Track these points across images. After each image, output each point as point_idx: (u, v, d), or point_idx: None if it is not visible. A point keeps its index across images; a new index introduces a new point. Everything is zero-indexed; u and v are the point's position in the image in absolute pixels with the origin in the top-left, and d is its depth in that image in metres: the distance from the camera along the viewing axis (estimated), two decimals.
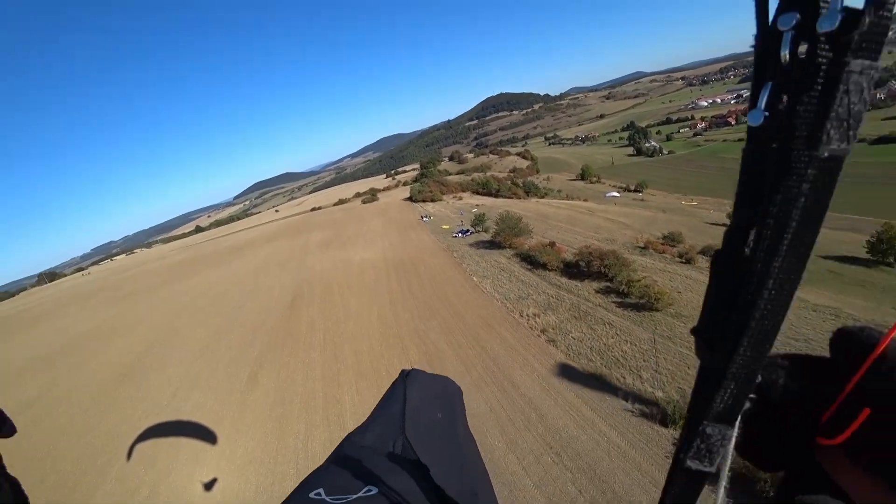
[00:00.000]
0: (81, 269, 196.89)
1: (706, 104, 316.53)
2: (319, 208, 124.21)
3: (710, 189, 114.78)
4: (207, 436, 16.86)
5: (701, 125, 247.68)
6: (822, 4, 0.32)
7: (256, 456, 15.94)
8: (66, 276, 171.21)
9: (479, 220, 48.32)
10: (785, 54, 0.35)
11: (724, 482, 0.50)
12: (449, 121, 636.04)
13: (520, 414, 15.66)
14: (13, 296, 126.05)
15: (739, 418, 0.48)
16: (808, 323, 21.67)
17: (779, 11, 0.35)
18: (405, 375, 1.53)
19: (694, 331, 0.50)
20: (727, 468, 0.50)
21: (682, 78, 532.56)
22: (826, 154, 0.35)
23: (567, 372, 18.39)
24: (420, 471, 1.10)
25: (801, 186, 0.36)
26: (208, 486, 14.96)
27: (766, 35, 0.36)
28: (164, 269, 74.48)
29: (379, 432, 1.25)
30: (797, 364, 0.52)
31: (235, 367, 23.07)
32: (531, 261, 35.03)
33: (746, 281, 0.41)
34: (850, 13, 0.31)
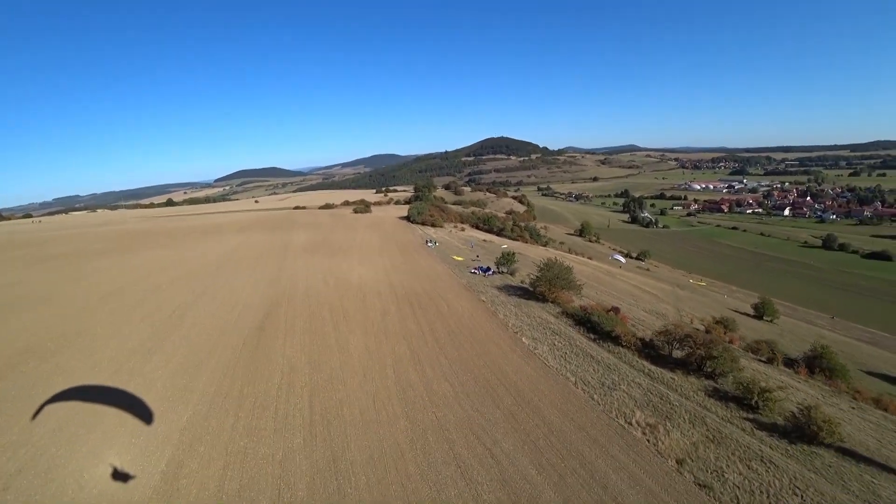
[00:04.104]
0: (31, 216, 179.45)
1: (699, 188, 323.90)
2: (304, 208, 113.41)
3: (712, 271, 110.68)
4: None
5: (694, 206, 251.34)
6: None
7: None
8: (10, 219, 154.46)
9: (506, 260, 39.32)
10: None
11: None
12: (446, 152, 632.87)
13: None
14: None
15: None
16: None
17: None
18: None
19: None
20: None
21: (676, 159, 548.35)
22: None
23: None
24: None
25: None
26: None
27: None
28: (111, 236, 62.27)
29: None
30: None
31: (147, 441, 12.86)
32: (592, 327, 26.31)
33: None
34: None
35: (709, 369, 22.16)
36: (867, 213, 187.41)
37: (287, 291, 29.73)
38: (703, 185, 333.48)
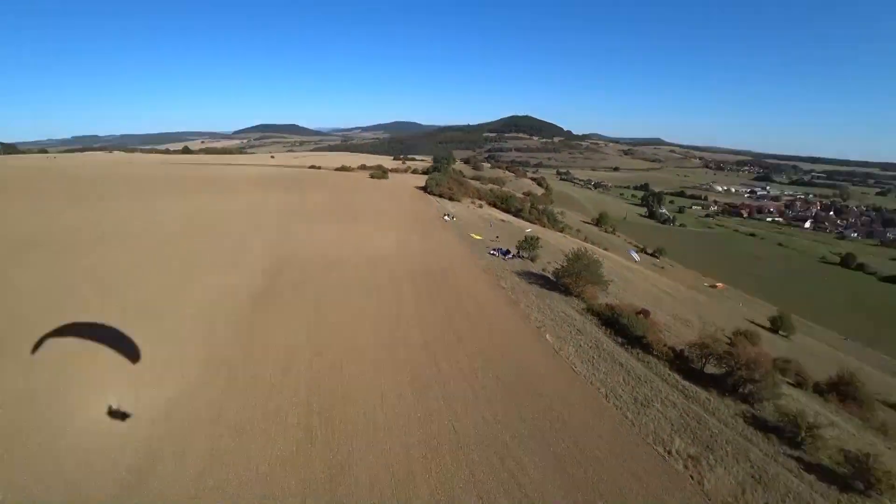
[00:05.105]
0: (46, 152, 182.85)
1: (721, 189, 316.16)
2: (319, 168, 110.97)
3: (725, 275, 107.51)
4: None
5: (714, 208, 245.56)
6: None
7: None
8: (25, 153, 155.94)
9: (529, 245, 37.16)
10: None
11: None
12: (468, 125, 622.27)
13: None
14: None
15: None
16: None
17: None
18: None
19: None
20: None
21: (700, 158, 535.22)
22: None
23: None
24: None
25: None
26: None
27: None
28: (123, 179, 60.79)
29: None
30: None
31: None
32: (619, 329, 24.31)
33: None
34: None
35: (745, 391, 20.23)
36: (890, 235, 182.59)
37: (291, 260, 27.95)
38: (725, 188, 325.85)
